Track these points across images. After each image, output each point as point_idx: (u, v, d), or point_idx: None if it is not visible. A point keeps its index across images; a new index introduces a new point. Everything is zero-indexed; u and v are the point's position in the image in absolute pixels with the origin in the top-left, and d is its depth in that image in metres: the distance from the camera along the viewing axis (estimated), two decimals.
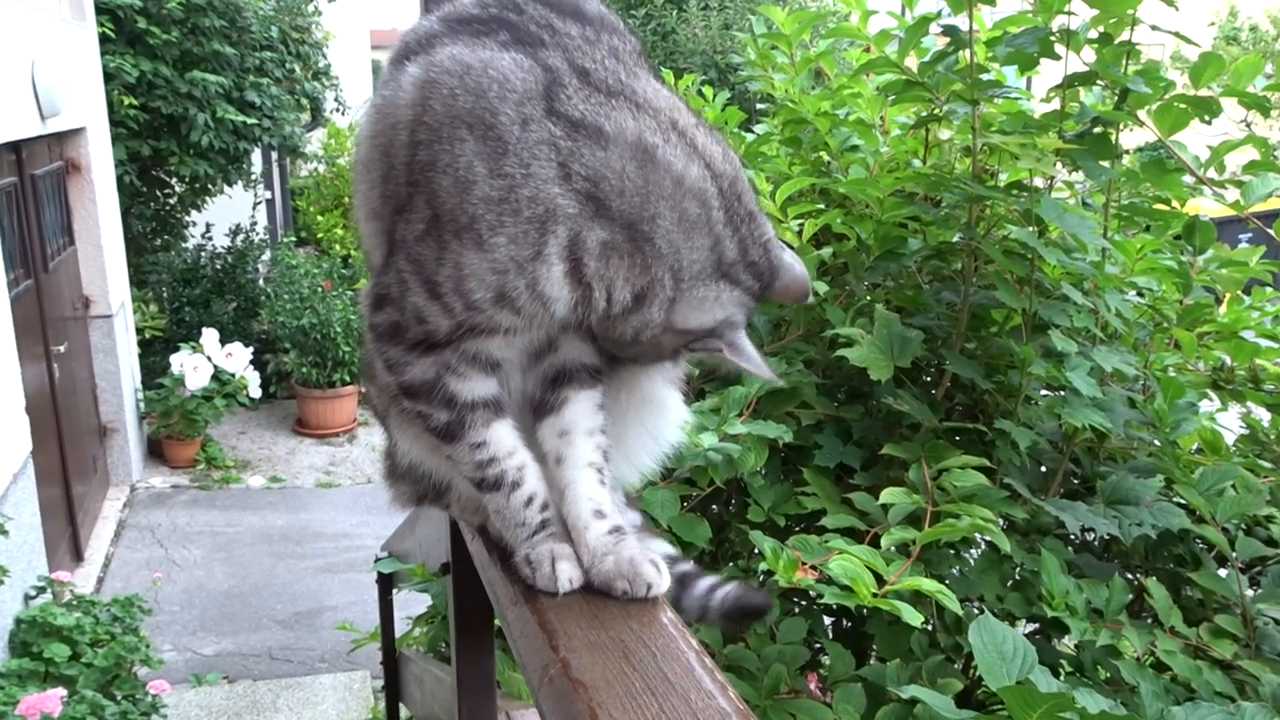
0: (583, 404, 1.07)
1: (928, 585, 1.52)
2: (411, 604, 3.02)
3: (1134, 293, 2.31)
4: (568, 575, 0.99)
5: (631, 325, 0.98)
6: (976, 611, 1.93)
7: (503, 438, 1.05)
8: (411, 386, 1.05)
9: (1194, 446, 2.30)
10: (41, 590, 4.50)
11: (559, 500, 1.05)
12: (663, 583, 0.98)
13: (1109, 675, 1.85)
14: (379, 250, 1.08)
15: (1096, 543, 2.25)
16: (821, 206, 2.30)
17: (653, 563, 0.99)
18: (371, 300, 1.07)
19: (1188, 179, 2.12)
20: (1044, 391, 2.17)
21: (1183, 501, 1.99)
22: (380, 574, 3.00)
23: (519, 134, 0.92)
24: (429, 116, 0.97)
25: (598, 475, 1.05)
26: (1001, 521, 1.91)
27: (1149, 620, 1.94)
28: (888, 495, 1.76)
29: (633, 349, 1.02)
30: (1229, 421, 2.34)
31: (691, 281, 0.96)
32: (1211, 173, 2.10)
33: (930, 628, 1.95)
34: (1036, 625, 2.06)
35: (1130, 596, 1.95)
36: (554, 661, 0.80)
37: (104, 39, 6.82)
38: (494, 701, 1.50)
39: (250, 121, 7.57)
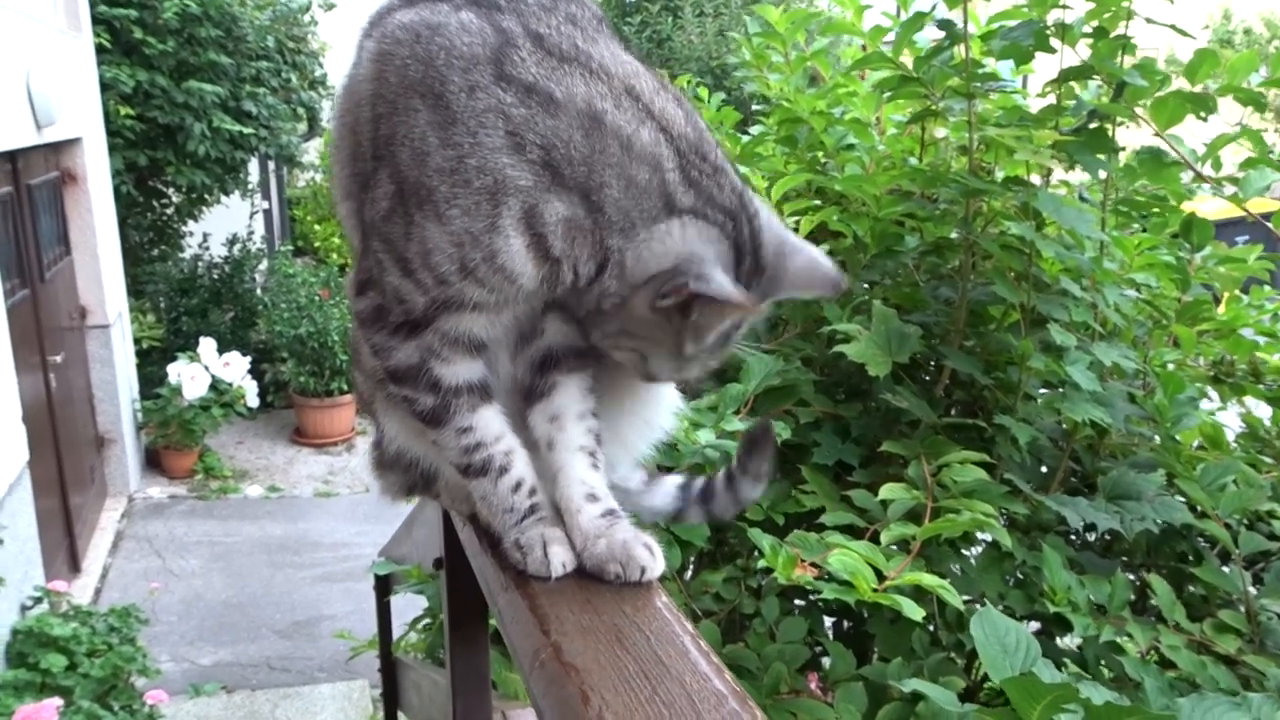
0: (572, 388, 1.06)
1: (928, 580, 1.50)
2: (410, 612, 3.00)
3: (1132, 290, 2.30)
4: (560, 559, 0.98)
5: (593, 296, 0.96)
6: (978, 609, 1.91)
7: (489, 423, 1.04)
8: (397, 371, 1.04)
9: (1195, 443, 2.29)
10: (38, 601, 4.47)
11: (551, 485, 1.04)
12: (656, 566, 0.96)
13: (1114, 674, 1.83)
14: (356, 232, 1.08)
15: (1098, 541, 2.24)
16: (818, 204, 2.29)
17: (646, 546, 0.97)
18: (355, 286, 1.06)
19: (1185, 175, 2.12)
20: (1043, 390, 2.16)
21: (1184, 497, 1.98)
22: (377, 579, 2.98)
23: (465, 102, 0.91)
24: (385, 89, 0.96)
25: (589, 459, 1.04)
26: (1002, 518, 1.90)
27: (1152, 617, 1.93)
28: (887, 491, 1.75)
29: (610, 325, 0.99)
30: (1228, 421, 2.33)
31: (643, 228, 0.93)
32: (1208, 169, 2.10)
33: (932, 627, 1.94)
34: (1039, 625, 2.04)
35: (1133, 594, 1.94)
36: (545, 646, 0.78)
37: (100, 49, 6.83)
38: (489, 700, 1.48)
39: (247, 131, 7.56)
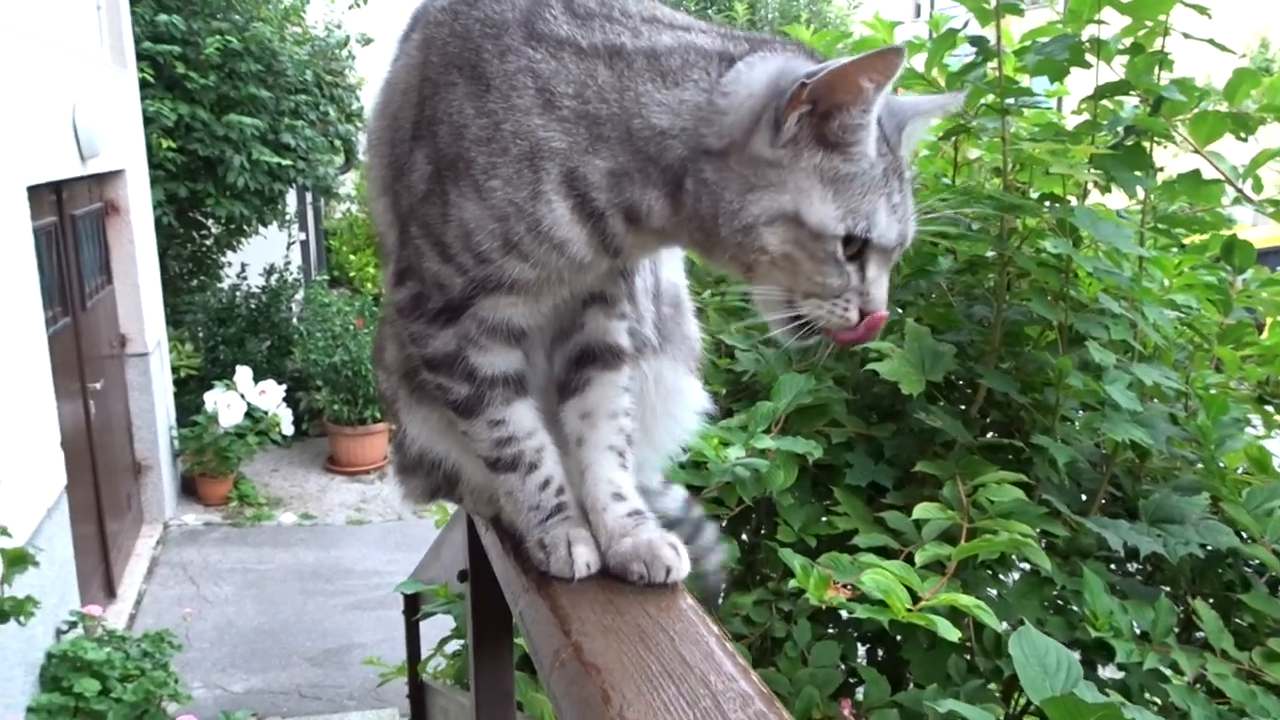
0: (606, 386, 1.05)
1: (964, 601, 1.46)
2: (440, 637, 2.98)
3: (1172, 311, 2.26)
4: (585, 559, 0.96)
5: (701, 201, 0.88)
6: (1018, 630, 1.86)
7: (522, 417, 1.02)
8: (434, 359, 1.02)
9: (1240, 467, 2.22)
10: (73, 625, 4.50)
11: (578, 483, 1.02)
12: (682, 567, 0.94)
13: (1158, 704, 1.77)
14: (393, 229, 1.07)
15: (1140, 567, 2.18)
16: None
17: (672, 546, 0.95)
18: (394, 278, 1.05)
19: (1225, 197, 2.08)
20: (1080, 411, 2.11)
21: (1230, 522, 1.92)
22: (406, 599, 2.97)
23: (498, 66, 0.90)
24: (429, 70, 0.96)
25: (618, 459, 1.02)
26: (1041, 542, 1.85)
27: (1198, 645, 1.86)
28: (921, 510, 1.71)
29: (743, 214, 0.88)
30: (1274, 449, 2.26)
31: (712, 92, 0.89)
32: (1248, 188, 2.05)
33: (968, 654, 1.89)
34: (1079, 653, 1.98)
35: (1177, 621, 1.88)
36: (565, 646, 0.76)
37: (144, 84, 6.99)
38: (513, 717, 1.46)
39: (285, 163, 7.69)
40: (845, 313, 0.91)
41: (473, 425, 1.03)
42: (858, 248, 0.89)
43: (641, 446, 1.11)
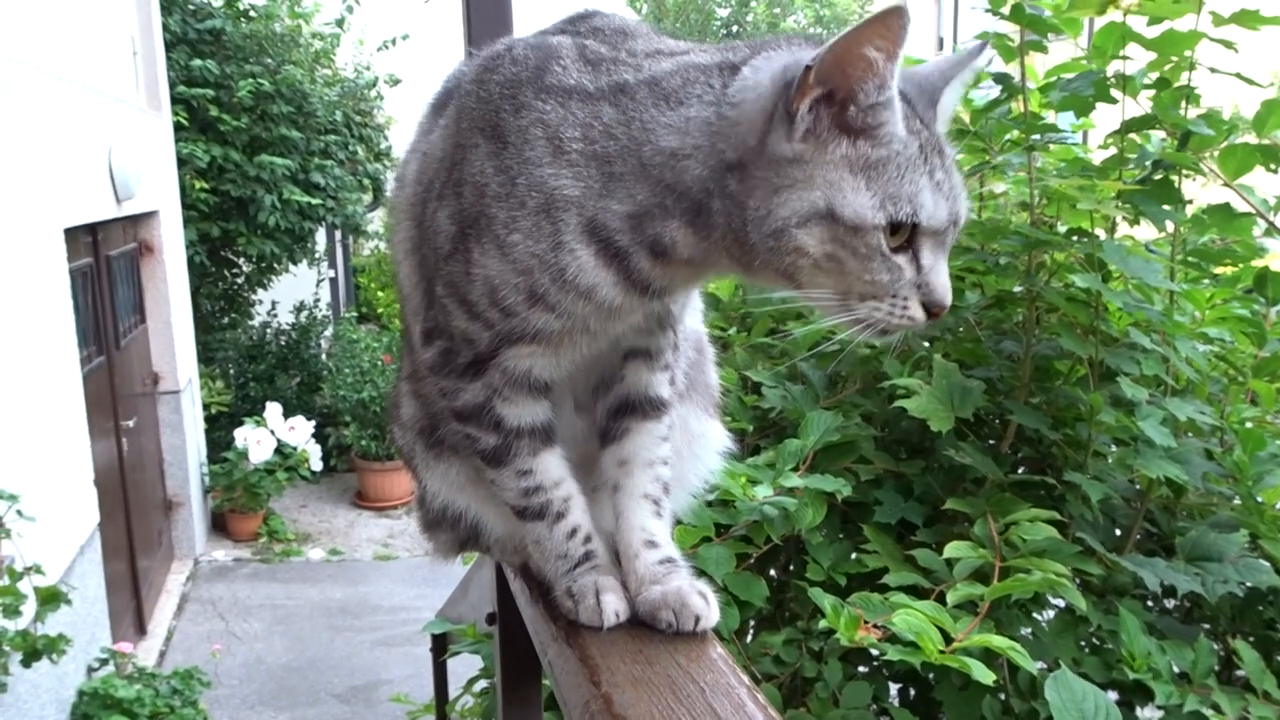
0: (644, 436, 1.06)
1: (998, 642, 1.44)
2: (468, 675, 2.97)
3: (1205, 345, 2.23)
4: (614, 608, 0.96)
5: (732, 215, 0.85)
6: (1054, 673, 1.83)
7: (550, 467, 1.03)
8: (464, 411, 1.03)
9: (1278, 503, 2.18)
10: (104, 662, 4.53)
11: (612, 530, 1.03)
12: (711, 615, 0.94)
13: None
14: (419, 289, 1.08)
15: (1178, 606, 2.14)
16: None
17: (701, 594, 0.95)
18: (422, 337, 1.06)
19: (1256, 230, 2.06)
20: (1113, 447, 2.09)
21: (1270, 560, 1.88)
22: (433, 638, 2.96)
23: (513, 122, 0.91)
24: (460, 137, 0.98)
25: (653, 507, 1.02)
26: (1075, 580, 1.82)
27: (1240, 686, 1.82)
28: (952, 549, 1.69)
29: (774, 216, 0.84)
30: None
31: (720, 104, 0.87)
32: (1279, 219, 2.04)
33: (1003, 695, 1.85)
34: (1117, 695, 1.95)
35: (1217, 662, 1.84)
36: (595, 697, 0.76)
37: (178, 127, 7.13)
38: None
39: (315, 202, 7.81)
40: (906, 311, 0.86)
41: (501, 474, 1.04)
42: (906, 236, 0.84)
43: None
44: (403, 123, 10.39)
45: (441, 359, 1.03)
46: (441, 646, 3.06)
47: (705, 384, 1.23)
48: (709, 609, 0.94)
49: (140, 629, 5.90)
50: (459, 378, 1.02)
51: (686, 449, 1.16)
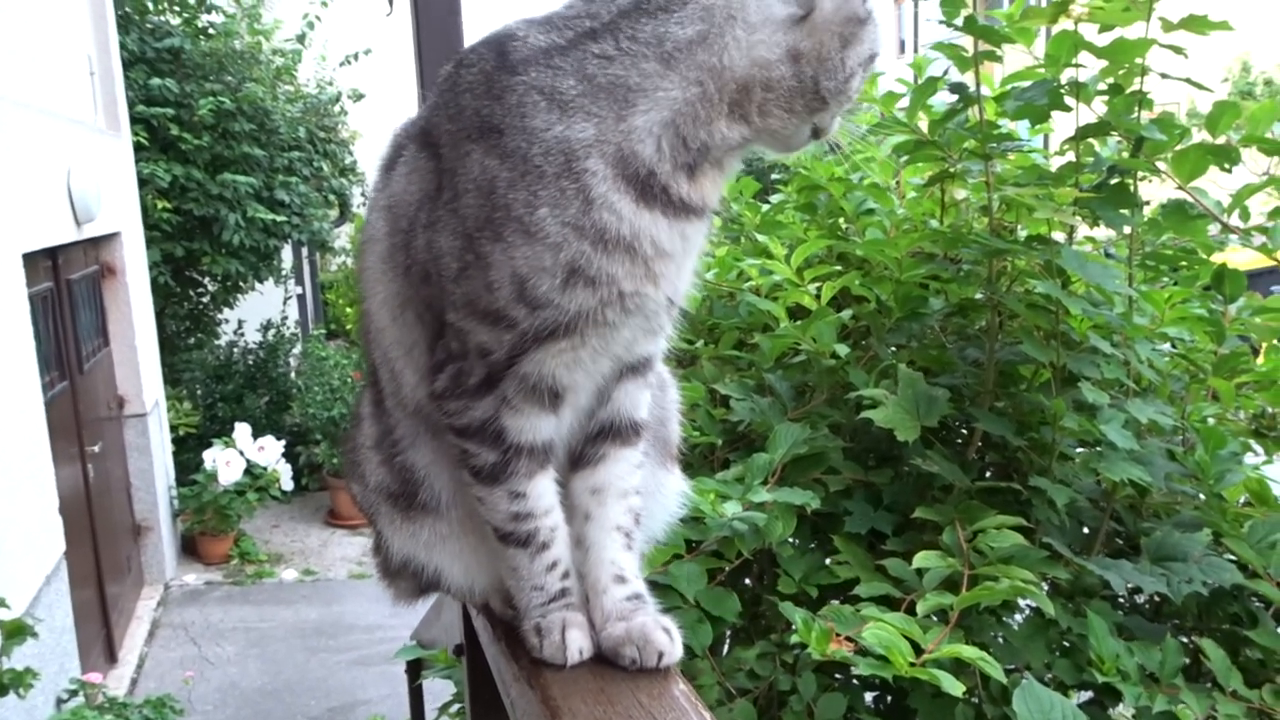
0: (620, 463, 1.04)
1: (968, 652, 1.45)
2: (447, 694, 2.95)
3: (1165, 345, 2.26)
4: (578, 645, 0.95)
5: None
6: (1024, 681, 1.84)
7: (543, 494, 1.01)
8: (468, 428, 1.01)
9: (1241, 499, 2.21)
10: (74, 694, 4.45)
11: (581, 559, 1.02)
12: (674, 651, 0.93)
13: None
14: (423, 342, 1.05)
15: (1146, 605, 2.16)
16: (840, 269, 2.28)
17: (665, 630, 0.94)
18: (431, 371, 1.03)
19: (1212, 228, 2.09)
20: (1079, 449, 2.11)
21: (1233, 557, 1.91)
22: (408, 663, 2.94)
23: (500, 109, 0.90)
24: (445, 163, 0.96)
25: (624, 539, 1.02)
26: (1045, 584, 1.83)
27: (1208, 684, 1.84)
28: (921, 559, 1.70)
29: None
30: (1273, 475, 2.25)
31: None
32: (1235, 219, 2.07)
33: (976, 700, 1.86)
34: (1090, 694, 1.96)
35: (1186, 660, 1.86)
36: None
37: (139, 147, 7.05)
38: None
39: (280, 219, 7.74)
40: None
41: (492, 493, 1.01)
42: None
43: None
44: (367, 137, 10.34)
45: (453, 382, 1.00)
46: (417, 669, 3.03)
47: (666, 437, 1.22)
48: (673, 645, 0.94)
49: (111, 657, 5.81)
50: (470, 397, 0.99)
51: (649, 497, 1.15)
